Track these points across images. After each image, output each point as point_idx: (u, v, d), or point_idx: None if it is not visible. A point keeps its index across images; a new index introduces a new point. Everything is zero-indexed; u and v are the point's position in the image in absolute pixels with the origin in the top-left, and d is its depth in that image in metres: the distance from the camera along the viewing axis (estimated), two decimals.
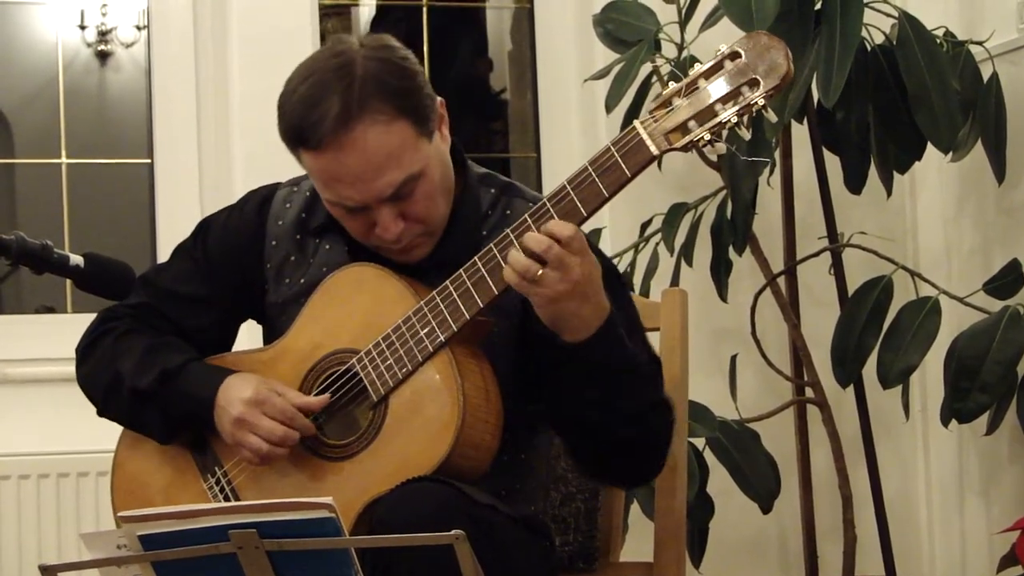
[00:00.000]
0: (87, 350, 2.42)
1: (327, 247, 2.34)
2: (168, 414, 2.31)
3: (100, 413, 2.41)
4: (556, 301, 2.09)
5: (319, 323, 2.28)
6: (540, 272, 2.07)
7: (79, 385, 2.42)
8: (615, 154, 2.09)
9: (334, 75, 2.17)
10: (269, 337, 2.39)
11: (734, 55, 2.05)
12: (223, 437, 2.27)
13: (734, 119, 2.04)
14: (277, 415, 2.21)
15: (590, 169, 2.10)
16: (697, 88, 2.07)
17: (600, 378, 2.16)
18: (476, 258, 2.16)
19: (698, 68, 2.08)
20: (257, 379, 2.26)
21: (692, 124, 2.06)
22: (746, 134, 2.07)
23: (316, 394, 2.25)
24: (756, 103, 2.03)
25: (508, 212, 2.30)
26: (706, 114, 2.06)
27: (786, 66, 2.03)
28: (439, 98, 2.25)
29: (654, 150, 2.07)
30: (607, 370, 2.15)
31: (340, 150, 2.15)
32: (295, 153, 2.23)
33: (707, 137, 2.06)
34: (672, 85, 2.09)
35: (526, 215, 2.13)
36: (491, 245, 2.15)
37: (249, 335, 2.48)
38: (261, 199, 2.42)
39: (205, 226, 2.45)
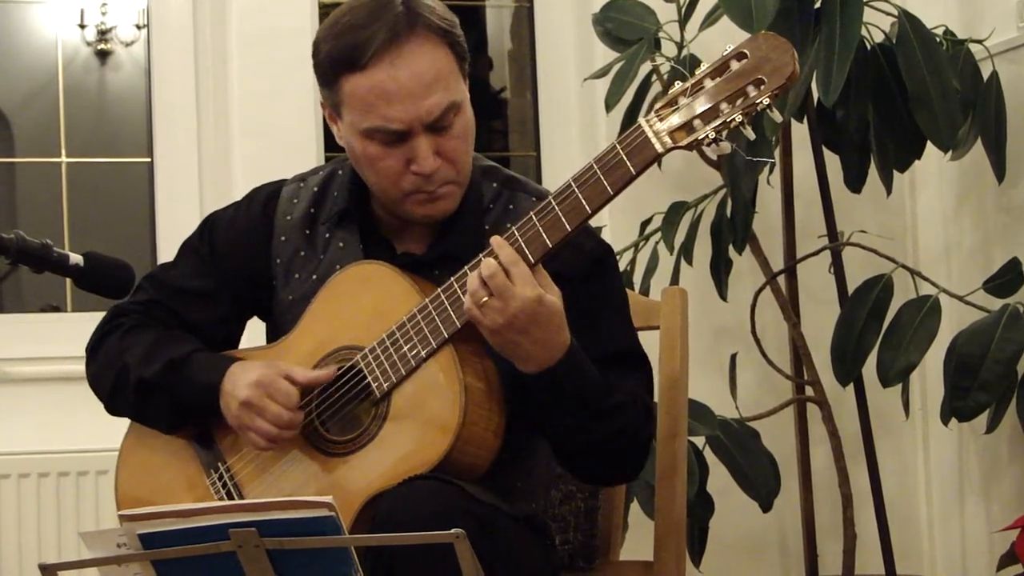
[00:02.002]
0: (96, 347, 2.42)
1: (340, 244, 2.34)
2: (174, 403, 2.31)
3: (108, 408, 2.41)
4: (497, 332, 2.11)
5: (324, 320, 2.29)
6: (484, 300, 2.10)
7: (88, 381, 2.42)
8: (620, 152, 2.09)
9: (378, 4, 2.20)
10: (274, 333, 2.39)
11: (740, 55, 2.06)
12: (229, 421, 2.27)
13: (739, 118, 2.05)
14: (283, 400, 2.21)
15: (595, 167, 2.11)
16: (703, 87, 2.07)
17: (556, 408, 2.18)
18: (482, 255, 2.16)
19: (704, 68, 2.09)
20: (263, 363, 2.26)
21: (697, 123, 2.06)
22: (751, 133, 2.07)
23: (319, 391, 2.25)
24: (761, 103, 2.03)
25: (511, 207, 2.31)
26: (711, 113, 2.06)
27: (792, 66, 2.03)
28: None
29: (659, 148, 2.08)
30: (563, 404, 2.18)
31: (392, 64, 2.17)
32: (335, 86, 2.22)
33: (711, 136, 2.06)
34: (678, 84, 2.09)
35: (531, 213, 2.14)
36: None
37: (251, 334, 2.48)
38: (267, 195, 2.42)
39: (211, 222, 2.45)
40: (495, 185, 2.34)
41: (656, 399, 2.52)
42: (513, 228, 2.14)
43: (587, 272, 2.28)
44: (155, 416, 2.35)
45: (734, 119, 2.05)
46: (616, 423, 2.21)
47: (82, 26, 4.38)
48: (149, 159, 3.94)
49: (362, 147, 2.24)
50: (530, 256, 2.13)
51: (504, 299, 2.09)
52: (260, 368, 2.24)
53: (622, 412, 2.22)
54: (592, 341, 2.22)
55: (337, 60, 2.20)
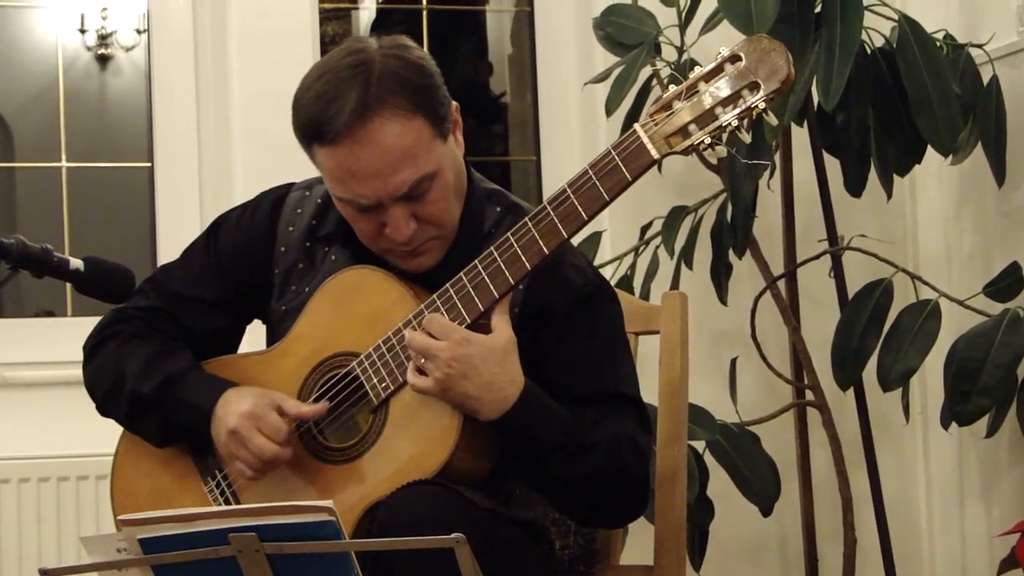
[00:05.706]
0: (94, 349, 2.42)
1: (333, 258, 2.33)
2: (166, 421, 2.31)
3: (100, 411, 2.41)
4: (445, 390, 2.11)
5: (320, 326, 2.28)
6: (422, 362, 2.11)
7: (84, 382, 2.42)
8: (615, 158, 2.08)
9: (351, 71, 2.15)
10: (271, 341, 2.38)
11: (735, 58, 2.05)
12: (218, 448, 2.27)
13: (735, 122, 2.03)
14: (271, 433, 2.20)
15: (590, 172, 2.10)
16: (697, 91, 2.06)
17: (524, 451, 2.18)
18: (476, 261, 2.15)
19: (698, 71, 2.07)
20: (257, 392, 2.25)
21: (692, 127, 2.05)
22: (747, 137, 2.06)
23: (315, 398, 2.25)
24: (757, 106, 2.02)
25: None
26: (706, 117, 2.05)
27: (787, 69, 2.02)
28: (454, 103, 2.25)
29: (655, 154, 2.07)
30: (530, 445, 2.16)
31: (356, 144, 2.13)
32: (309, 151, 2.21)
33: (707, 140, 2.05)
34: (673, 88, 2.08)
35: (526, 218, 2.13)
36: (491, 248, 2.15)
37: (251, 336, 2.48)
38: (274, 201, 2.41)
39: (217, 224, 2.45)
40: (498, 210, 2.32)
41: (656, 404, 2.52)
42: (508, 233, 2.14)
43: (572, 310, 2.25)
44: (146, 430, 2.35)
45: (730, 124, 2.03)
46: (592, 462, 2.18)
47: (83, 31, 4.39)
48: (149, 164, 3.94)
49: (339, 206, 2.25)
50: (526, 263, 2.12)
51: (432, 355, 2.09)
52: (253, 398, 2.23)
53: (598, 450, 2.18)
54: (575, 380, 2.22)
55: (305, 130, 2.19)
